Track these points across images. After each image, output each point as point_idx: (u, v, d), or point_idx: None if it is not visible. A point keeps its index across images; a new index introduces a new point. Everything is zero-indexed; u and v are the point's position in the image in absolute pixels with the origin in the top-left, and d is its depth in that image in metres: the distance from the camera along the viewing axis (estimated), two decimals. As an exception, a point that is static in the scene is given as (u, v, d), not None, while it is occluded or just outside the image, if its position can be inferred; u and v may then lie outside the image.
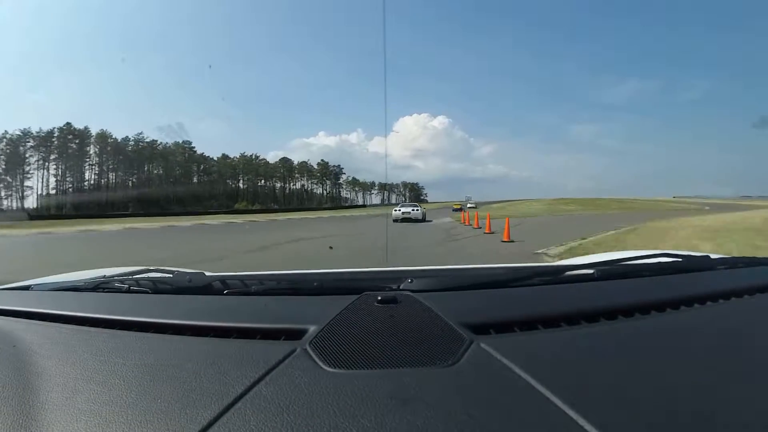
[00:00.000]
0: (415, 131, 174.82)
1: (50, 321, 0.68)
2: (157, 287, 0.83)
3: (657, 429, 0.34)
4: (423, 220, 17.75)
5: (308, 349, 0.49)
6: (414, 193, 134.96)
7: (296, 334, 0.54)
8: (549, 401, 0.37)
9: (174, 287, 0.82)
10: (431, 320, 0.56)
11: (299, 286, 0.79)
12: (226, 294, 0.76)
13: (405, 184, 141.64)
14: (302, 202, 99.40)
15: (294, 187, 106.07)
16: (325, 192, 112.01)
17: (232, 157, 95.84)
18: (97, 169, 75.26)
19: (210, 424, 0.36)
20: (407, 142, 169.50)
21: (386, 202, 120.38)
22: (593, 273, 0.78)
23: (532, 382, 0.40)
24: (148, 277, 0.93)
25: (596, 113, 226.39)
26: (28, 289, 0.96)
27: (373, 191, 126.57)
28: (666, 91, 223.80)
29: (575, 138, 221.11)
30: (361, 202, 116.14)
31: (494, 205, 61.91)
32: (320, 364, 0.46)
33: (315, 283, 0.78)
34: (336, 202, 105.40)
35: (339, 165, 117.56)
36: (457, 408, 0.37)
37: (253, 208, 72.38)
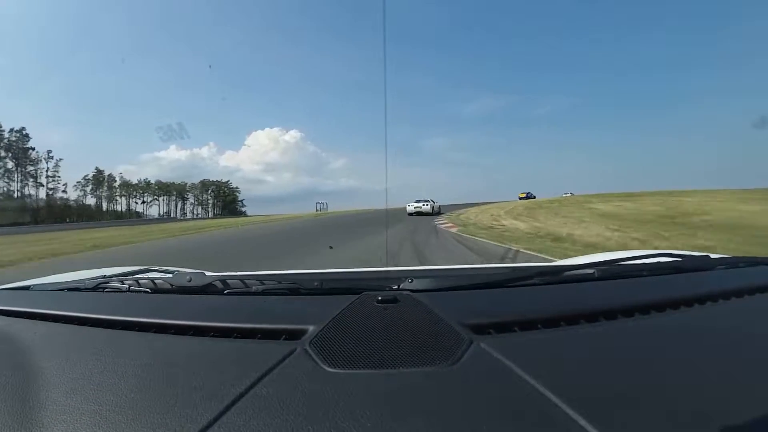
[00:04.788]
0: (268, 145, 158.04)
1: (50, 321, 0.68)
2: (157, 287, 0.83)
3: (657, 429, 0.34)
4: (432, 213, 19.07)
5: (308, 349, 0.49)
6: (221, 199, 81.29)
7: (296, 334, 0.55)
8: (549, 401, 0.37)
9: (174, 287, 0.82)
10: (431, 320, 0.56)
11: (299, 286, 0.79)
12: (226, 294, 0.76)
13: (205, 185, 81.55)
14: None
15: None
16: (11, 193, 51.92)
17: None
18: None
19: (210, 424, 0.36)
20: (258, 156, 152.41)
21: (175, 215, 70.30)
22: (593, 273, 0.78)
23: (532, 382, 0.40)
24: (148, 277, 0.93)
25: (448, 127, 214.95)
26: (28, 289, 0.97)
27: (145, 197, 69.47)
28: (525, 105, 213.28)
29: (429, 150, 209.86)
30: (131, 213, 64.55)
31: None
32: (320, 364, 0.46)
33: (315, 283, 0.78)
34: (27, 215, 50.10)
35: (22, 129, 54.50)
36: (457, 408, 0.37)
37: None
